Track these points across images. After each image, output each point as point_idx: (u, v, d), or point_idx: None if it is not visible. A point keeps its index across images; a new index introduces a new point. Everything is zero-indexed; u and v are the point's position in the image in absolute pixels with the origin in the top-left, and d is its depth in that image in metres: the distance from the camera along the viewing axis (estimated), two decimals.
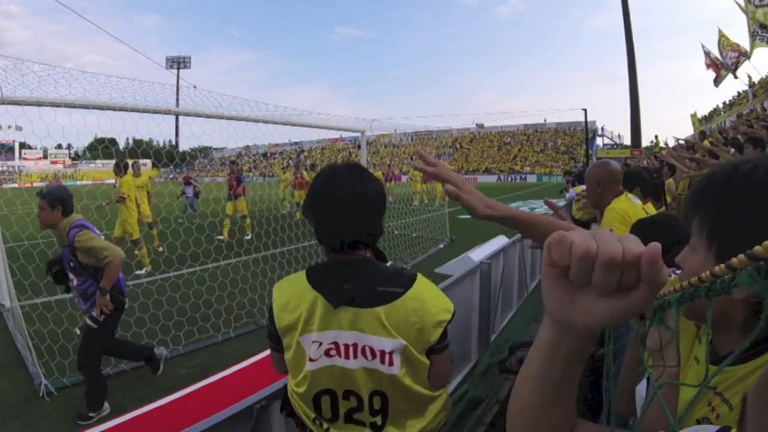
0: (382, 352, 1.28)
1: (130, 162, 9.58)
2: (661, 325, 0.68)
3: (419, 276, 1.38)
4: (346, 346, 1.29)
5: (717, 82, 25.13)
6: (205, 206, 14.78)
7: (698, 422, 0.79)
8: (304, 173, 15.83)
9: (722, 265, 0.44)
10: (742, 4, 18.75)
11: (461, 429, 3.20)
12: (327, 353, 1.30)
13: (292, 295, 1.35)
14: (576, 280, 0.48)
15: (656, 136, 27.68)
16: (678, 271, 0.96)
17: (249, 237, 10.73)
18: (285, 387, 1.55)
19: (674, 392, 0.85)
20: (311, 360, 1.31)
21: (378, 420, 1.34)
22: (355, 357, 1.29)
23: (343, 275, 1.32)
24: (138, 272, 7.75)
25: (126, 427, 3.31)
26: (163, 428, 3.28)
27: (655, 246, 0.44)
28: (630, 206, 2.76)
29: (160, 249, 9.52)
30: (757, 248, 0.40)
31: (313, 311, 1.30)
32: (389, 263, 1.53)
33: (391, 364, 1.28)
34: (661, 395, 0.67)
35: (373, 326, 1.28)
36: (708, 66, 25.69)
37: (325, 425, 1.37)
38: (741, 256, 0.42)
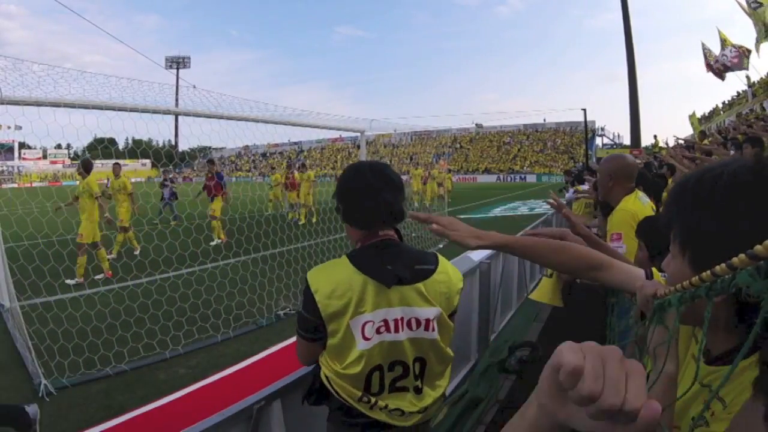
0: (427, 321, 1.47)
1: (126, 162, 9.53)
2: (661, 324, 0.68)
3: (438, 254, 1.62)
4: (396, 321, 1.45)
5: (722, 76, 25.18)
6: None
7: (693, 420, 0.79)
8: (296, 174, 15.33)
9: (723, 265, 0.44)
10: (744, 4, 18.78)
11: (461, 429, 3.20)
12: (377, 331, 1.43)
13: (339, 281, 1.43)
14: (573, 402, 0.48)
15: (655, 136, 27.69)
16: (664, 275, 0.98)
17: (215, 243, 10.34)
18: (305, 378, 1.74)
19: (672, 392, 0.85)
20: (366, 339, 1.43)
21: (419, 383, 1.53)
22: (403, 329, 1.45)
23: (385, 258, 1.47)
24: (97, 277, 7.52)
25: (126, 427, 3.31)
26: (163, 428, 3.29)
27: (655, 408, 0.44)
28: (640, 207, 2.67)
29: (136, 252, 9.45)
30: (758, 248, 0.41)
31: (364, 294, 1.42)
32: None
33: (433, 330, 1.48)
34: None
35: (417, 299, 1.47)
36: (708, 67, 25.71)
37: (372, 400, 1.47)
38: (741, 255, 0.42)
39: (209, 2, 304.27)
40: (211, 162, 11.89)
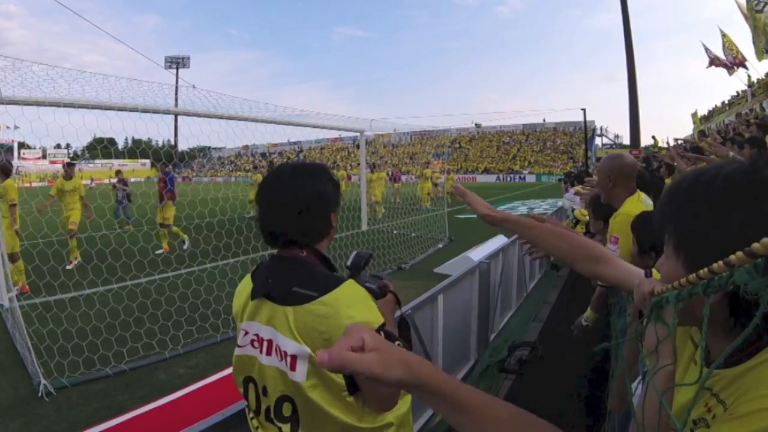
0: (285, 354, 1.21)
1: (125, 162, 9.42)
2: (659, 321, 0.68)
3: (348, 282, 1.25)
4: (263, 341, 1.28)
5: (729, 71, 25.21)
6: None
7: (695, 423, 0.80)
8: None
9: (720, 262, 0.44)
10: (744, 5, 18.76)
11: None
12: (252, 344, 1.31)
13: (242, 285, 1.42)
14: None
15: (654, 137, 27.65)
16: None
17: (161, 252, 9.01)
18: None
19: (670, 392, 0.85)
20: (239, 346, 1.35)
21: (286, 428, 1.26)
22: (269, 354, 1.26)
23: (270, 270, 1.33)
24: (15, 289, 6.18)
25: (126, 427, 3.31)
26: (163, 428, 3.29)
27: None
28: (641, 210, 2.54)
29: (70, 267, 8.19)
30: (756, 245, 0.41)
31: (248, 301, 1.33)
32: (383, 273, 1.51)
33: (293, 368, 1.20)
34: (664, 400, 0.67)
35: (282, 325, 1.22)
36: (712, 63, 25.71)
37: (251, 415, 1.37)
38: (739, 253, 0.42)
39: (209, 2, 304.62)
40: (163, 163, 10.19)
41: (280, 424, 1.26)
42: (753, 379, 0.73)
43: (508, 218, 1.43)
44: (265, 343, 1.27)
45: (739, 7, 19.96)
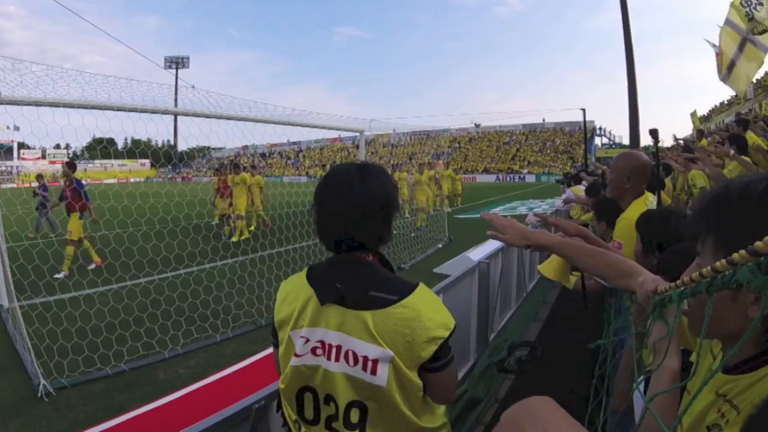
0: (365, 359, 1.19)
1: (125, 162, 9.22)
2: (661, 319, 0.68)
3: (421, 286, 1.27)
4: (331, 347, 1.24)
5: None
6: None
7: (708, 429, 0.79)
8: (229, 177, 12.26)
9: (723, 261, 0.44)
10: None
11: (459, 429, 3.20)
12: (313, 351, 1.26)
13: (290, 290, 1.34)
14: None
15: (659, 141, 27.54)
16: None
17: (61, 276, 7.31)
18: None
19: (676, 393, 0.85)
20: (296, 355, 1.27)
21: None
22: (338, 360, 1.23)
23: (338, 274, 1.27)
24: None
25: (125, 427, 3.31)
26: (162, 428, 3.28)
27: None
28: None
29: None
30: (758, 244, 0.41)
31: (305, 307, 1.27)
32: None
33: (374, 373, 1.19)
34: (654, 409, 0.67)
35: (358, 330, 1.20)
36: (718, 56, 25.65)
37: (304, 428, 1.32)
38: (742, 251, 0.42)
39: (209, 2, 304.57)
40: (69, 165, 8.35)
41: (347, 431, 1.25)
42: (766, 389, 0.73)
43: (544, 244, 1.44)
44: (333, 350, 1.23)
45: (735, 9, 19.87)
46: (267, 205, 13.97)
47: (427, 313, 1.20)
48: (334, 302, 1.23)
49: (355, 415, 1.24)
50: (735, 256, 0.44)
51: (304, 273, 1.35)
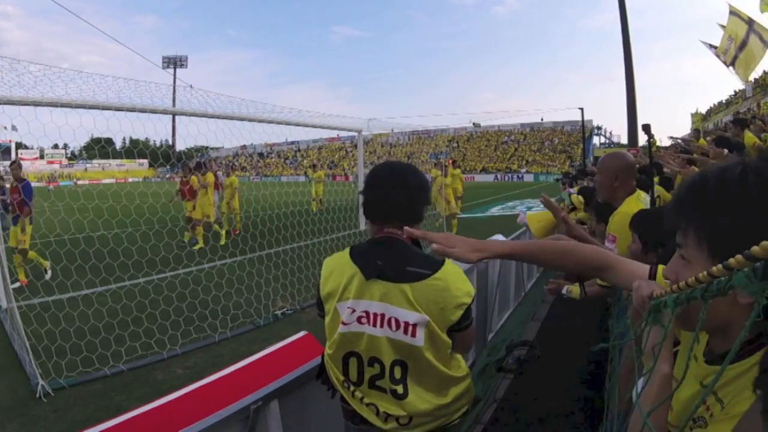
0: (406, 324, 1.44)
1: (123, 162, 9.02)
2: (656, 324, 0.68)
3: (447, 261, 1.48)
4: (375, 315, 1.47)
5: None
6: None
7: (694, 421, 0.80)
8: (194, 179, 10.85)
9: (719, 266, 0.44)
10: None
11: (458, 428, 3.20)
12: (359, 320, 1.48)
13: (335, 267, 1.56)
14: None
15: (652, 136, 27.54)
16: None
17: (18, 285, 6.85)
18: (303, 378, 1.93)
19: (666, 391, 0.85)
20: (344, 324, 1.49)
21: (399, 389, 1.49)
22: (381, 326, 1.46)
23: (378, 253, 1.52)
24: None
25: (123, 428, 3.30)
26: (161, 428, 3.27)
27: None
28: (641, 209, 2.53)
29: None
30: (755, 249, 0.41)
31: (350, 282, 1.50)
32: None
33: (414, 335, 1.44)
34: (649, 421, 0.67)
35: (400, 300, 1.44)
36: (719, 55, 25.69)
37: (351, 388, 1.55)
38: (738, 256, 0.42)
39: (207, 2, 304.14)
40: (13, 165, 7.53)
41: (394, 386, 1.50)
42: (749, 380, 0.73)
43: (503, 252, 1.30)
44: (378, 318, 1.47)
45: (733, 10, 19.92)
46: (241, 208, 12.78)
47: (455, 283, 1.47)
48: (377, 277, 1.47)
49: (398, 372, 1.49)
50: (731, 261, 0.44)
51: (346, 252, 1.58)
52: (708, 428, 0.77)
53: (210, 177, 10.91)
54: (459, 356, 1.62)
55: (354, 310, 1.48)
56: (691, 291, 0.53)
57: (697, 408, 0.71)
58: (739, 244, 0.74)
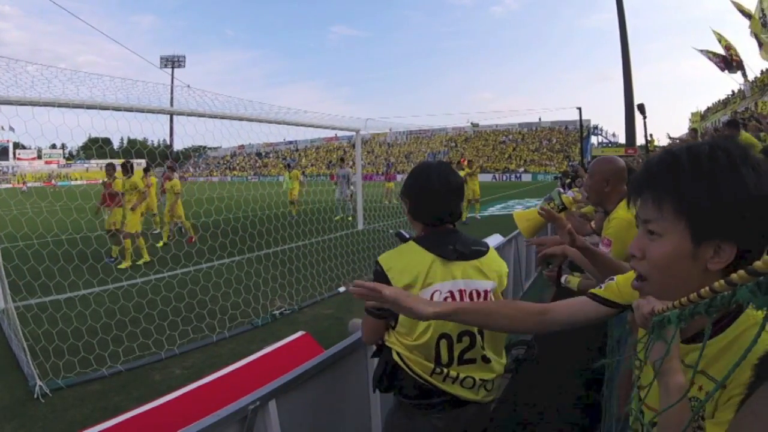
0: (486, 292, 1.67)
1: (120, 162, 8.92)
2: (661, 340, 0.68)
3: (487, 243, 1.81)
4: (461, 292, 1.63)
5: (730, 70, 25.39)
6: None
7: (690, 400, 0.80)
8: (117, 182, 8.93)
9: (722, 281, 0.44)
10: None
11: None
12: (446, 300, 1.58)
13: (409, 259, 1.65)
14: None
15: (651, 135, 27.61)
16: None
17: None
18: (300, 378, 1.91)
19: (685, 405, 0.85)
20: None
21: (486, 353, 1.66)
22: (466, 300, 1.62)
23: (449, 240, 1.68)
24: None
25: (121, 428, 3.29)
26: (159, 429, 3.27)
27: None
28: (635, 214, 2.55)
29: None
30: (758, 263, 0.41)
31: (430, 268, 1.61)
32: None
33: (487, 299, 1.66)
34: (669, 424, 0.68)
35: (476, 274, 1.67)
36: (722, 63, 25.80)
37: (445, 371, 1.61)
38: (741, 272, 0.42)
39: (204, 2, 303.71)
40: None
41: (482, 352, 1.65)
42: (735, 355, 0.73)
43: (451, 311, 1.27)
44: (460, 294, 1.63)
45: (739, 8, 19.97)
46: (188, 213, 11.00)
47: (498, 258, 1.79)
48: (456, 258, 1.65)
49: (479, 339, 1.64)
50: (734, 276, 0.44)
51: (412, 246, 1.69)
52: (707, 408, 0.77)
53: (136, 181, 9.01)
54: None
55: (441, 292, 1.60)
56: (695, 306, 0.53)
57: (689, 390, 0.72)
58: (718, 220, 0.77)
